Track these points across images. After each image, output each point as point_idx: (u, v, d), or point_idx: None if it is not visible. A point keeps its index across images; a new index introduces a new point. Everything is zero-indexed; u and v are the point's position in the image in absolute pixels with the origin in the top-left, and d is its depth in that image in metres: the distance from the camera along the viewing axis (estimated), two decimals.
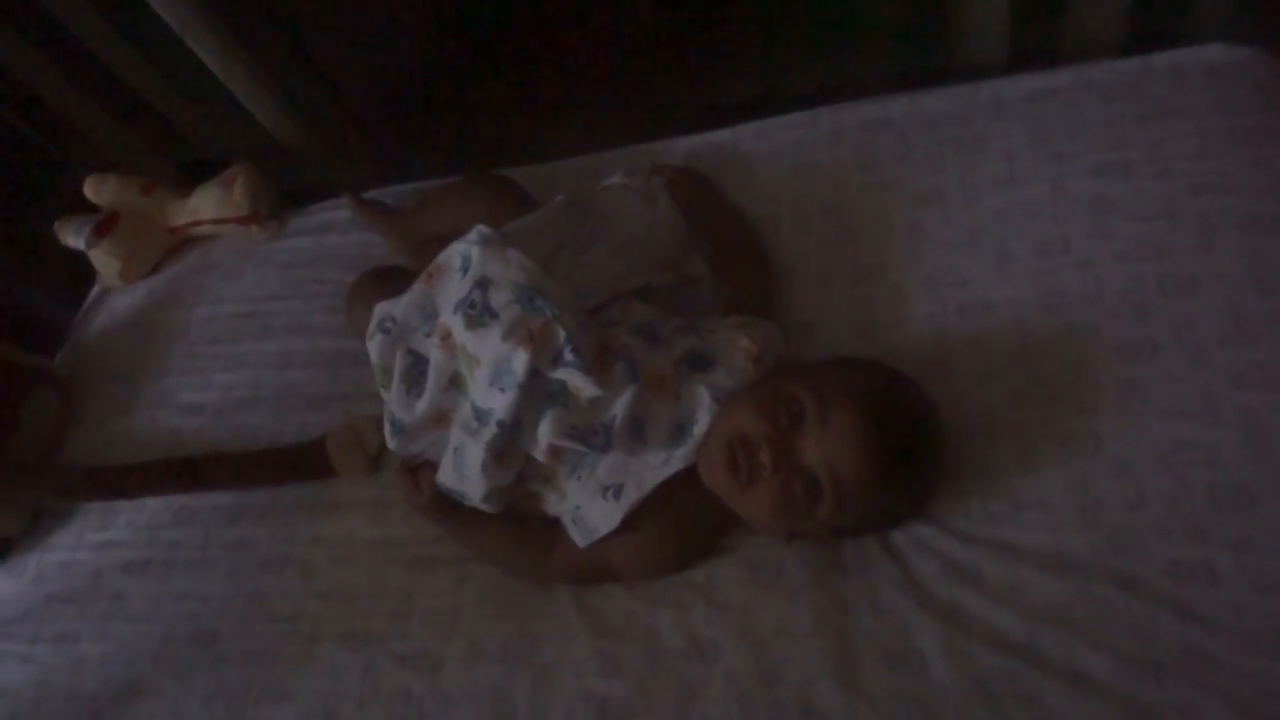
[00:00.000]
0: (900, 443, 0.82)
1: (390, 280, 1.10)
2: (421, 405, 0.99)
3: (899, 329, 1.01)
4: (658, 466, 0.90)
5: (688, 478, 0.89)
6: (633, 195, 1.12)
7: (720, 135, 1.26)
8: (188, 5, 1.31)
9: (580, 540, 0.92)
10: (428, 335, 1.00)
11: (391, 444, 1.03)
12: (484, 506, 0.96)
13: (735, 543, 0.94)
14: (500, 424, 0.90)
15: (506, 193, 1.17)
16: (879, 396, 0.83)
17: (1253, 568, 0.78)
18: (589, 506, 0.92)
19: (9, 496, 1.23)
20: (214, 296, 1.40)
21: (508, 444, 0.92)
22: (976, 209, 1.06)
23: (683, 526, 0.92)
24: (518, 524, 0.98)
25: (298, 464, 1.15)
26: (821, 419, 0.81)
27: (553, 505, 0.97)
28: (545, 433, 0.89)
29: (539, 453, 0.91)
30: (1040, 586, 0.82)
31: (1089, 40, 1.19)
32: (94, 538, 1.21)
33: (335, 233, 1.40)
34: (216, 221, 1.43)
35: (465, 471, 0.94)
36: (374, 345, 1.02)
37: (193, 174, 1.51)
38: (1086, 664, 0.77)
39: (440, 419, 1.00)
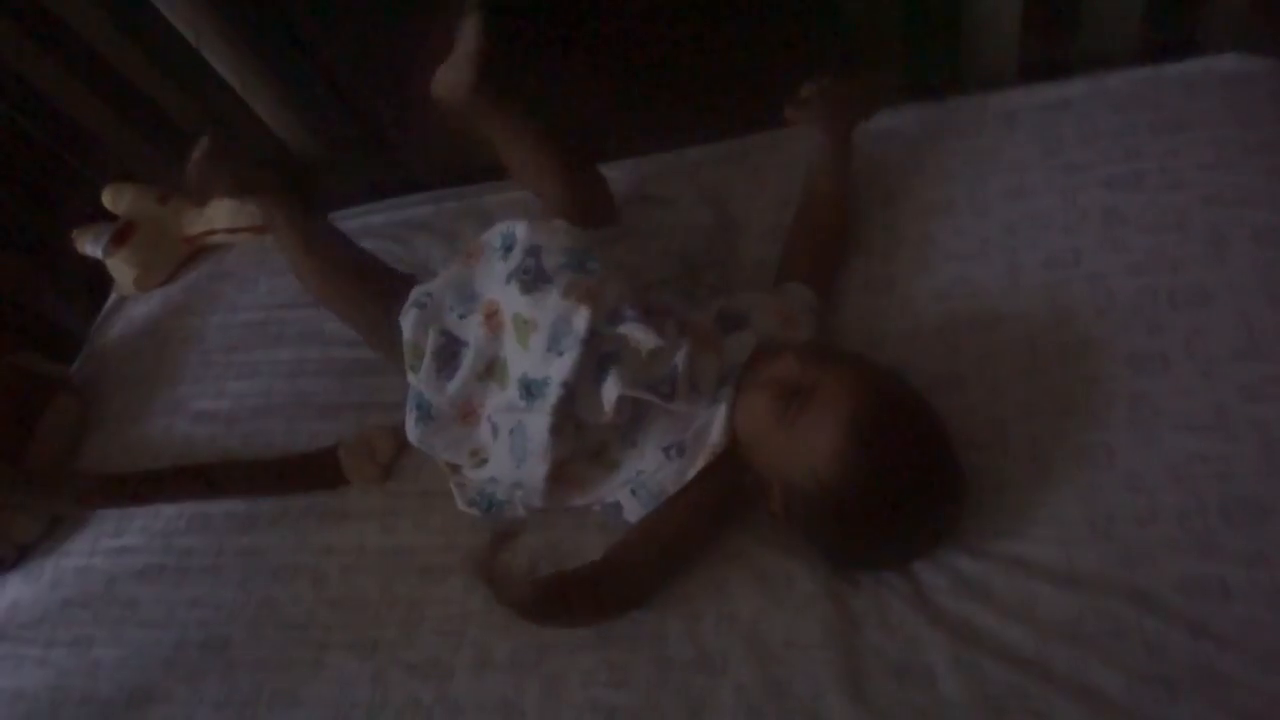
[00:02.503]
0: (865, 490, 0.81)
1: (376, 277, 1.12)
2: (454, 386, 0.99)
3: (909, 341, 1.01)
4: (714, 417, 0.90)
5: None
6: (660, 205, 1.14)
7: (732, 145, 1.26)
8: (202, 16, 1.33)
9: (641, 509, 0.92)
10: (461, 316, 1.00)
11: (414, 433, 1.01)
12: (537, 501, 0.96)
13: (745, 551, 0.94)
14: (564, 384, 0.90)
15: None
16: (864, 428, 0.81)
17: (1266, 583, 0.77)
18: (653, 472, 0.91)
19: (27, 502, 1.25)
20: (228, 305, 1.42)
21: (567, 413, 0.91)
22: (987, 220, 1.05)
23: (721, 481, 0.91)
24: (567, 575, 0.93)
25: (310, 472, 1.16)
26: (793, 423, 0.83)
27: (599, 484, 0.95)
28: (612, 388, 0.89)
29: (606, 409, 0.90)
30: (1051, 601, 0.81)
31: (1101, 50, 1.18)
32: (109, 544, 1.22)
33: None
34: (231, 230, 1.45)
35: (529, 445, 0.93)
36: (408, 321, 1.02)
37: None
38: (1098, 680, 0.77)
39: (468, 413, 0.99)
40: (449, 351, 1.00)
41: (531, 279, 0.95)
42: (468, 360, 0.98)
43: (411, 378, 1.02)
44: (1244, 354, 0.87)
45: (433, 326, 1.01)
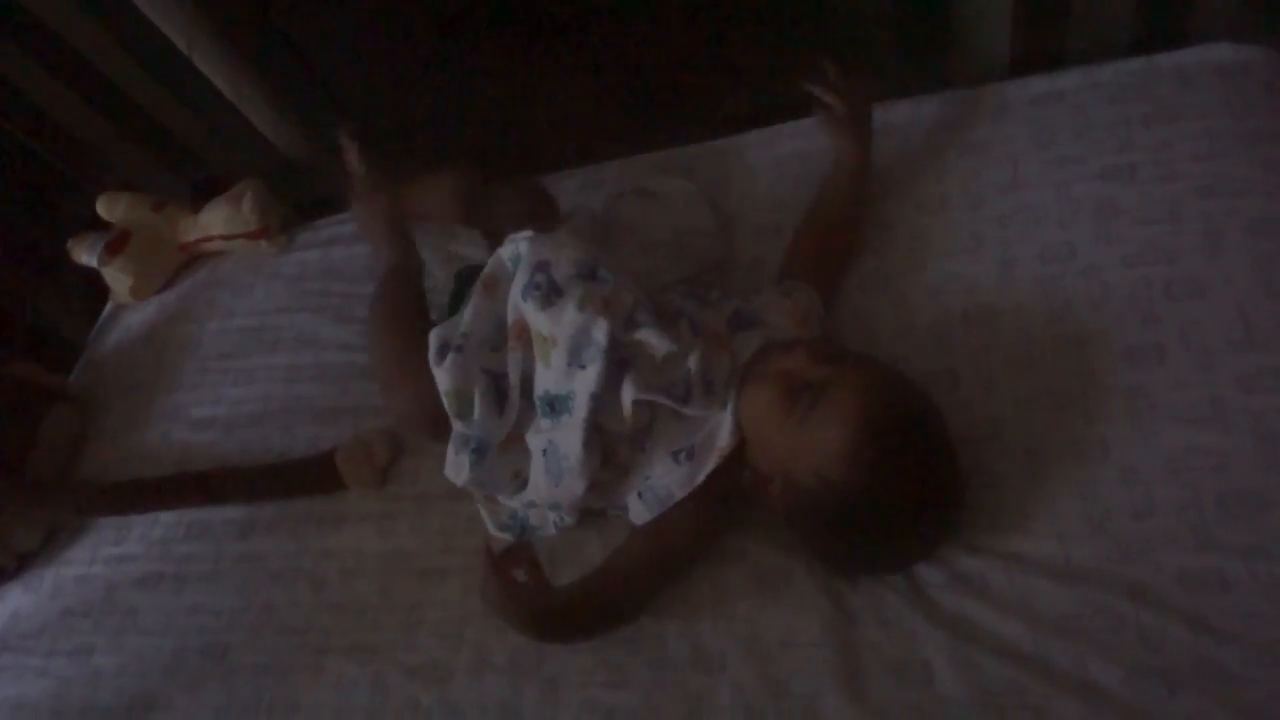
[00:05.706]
0: (859, 497, 0.80)
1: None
2: (509, 419, 0.97)
3: (903, 338, 1.01)
4: (723, 420, 0.90)
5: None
6: (656, 202, 1.13)
7: (724, 143, 1.26)
8: (194, 25, 1.33)
9: (647, 513, 0.91)
10: (494, 349, 0.99)
11: (468, 477, 0.98)
12: (570, 518, 0.96)
13: (742, 550, 0.94)
14: (593, 396, 0.89)
15: (473, 175, 1.18)
16: (874, 434, 0.80)
17: (1264, 576, 0.77)
18: (661, 476, 0.91)
19: (27, 512, 1.25)
20: (224, 311, 1.42)
21: (596, 424, 0.91)
22: (980, 214, 1.05)
23: (724, 486, 0.91)
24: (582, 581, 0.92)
25: (307, 477, 1.16)
26: (802, 419, 0.82)
27: (611, 488, 0.95)
28: (629, 392, 0.89)
29: (623, 416, 0.90)
30: (1048, 596, 0.81)
31: (1094, 41, 1.18)
32: (108, 552, 1.22)
33: (341, 245, 1.41)
34: (226, 237, 1.45)
35: (564, 463, 0.92)
36: (446, 368, 0.97)
37: (202, 191, 1.53)
38: (1096, 675, 0.77)
39: (514, 439, 0.98)
40: (497, 389, 0.98)
41: (544, 294, 0.94)
42: (512, 380, 0.97)
43: (459, 425, 0.98)
44: (1240, 345, 0.87)
45: (472, 368, 0.98)
